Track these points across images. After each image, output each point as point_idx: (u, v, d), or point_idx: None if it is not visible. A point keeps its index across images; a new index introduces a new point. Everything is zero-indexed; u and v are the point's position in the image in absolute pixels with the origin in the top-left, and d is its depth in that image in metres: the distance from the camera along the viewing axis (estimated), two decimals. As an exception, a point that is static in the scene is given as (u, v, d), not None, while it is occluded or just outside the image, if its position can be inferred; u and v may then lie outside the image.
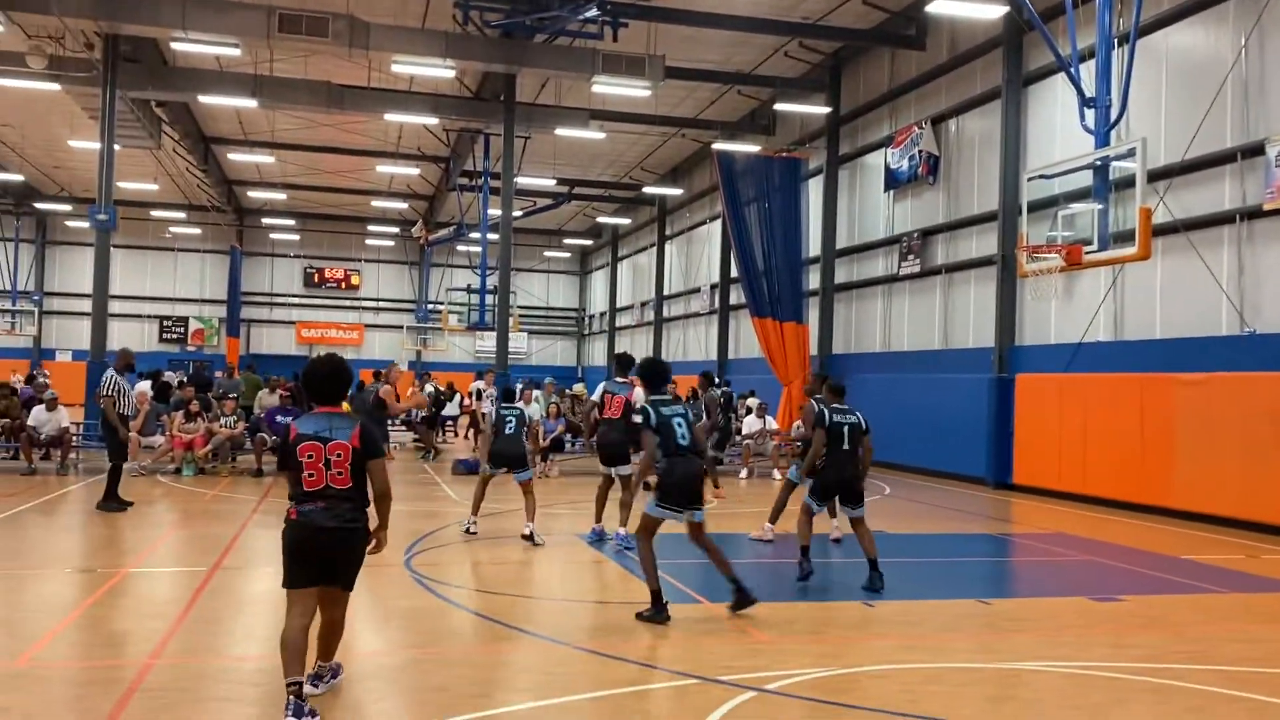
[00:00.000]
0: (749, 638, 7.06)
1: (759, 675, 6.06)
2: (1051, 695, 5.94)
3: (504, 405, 11.39)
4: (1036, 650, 6.92)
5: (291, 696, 4.90)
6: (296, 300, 47.53)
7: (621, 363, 11.39)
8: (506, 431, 11.02)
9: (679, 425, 7.52)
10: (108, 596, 8.02)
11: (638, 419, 7.54)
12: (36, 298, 43.21)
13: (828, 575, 9.68)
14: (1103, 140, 13.21)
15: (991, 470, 18.28)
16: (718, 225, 30.97)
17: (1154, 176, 14.29)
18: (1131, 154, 12.78)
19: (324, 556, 5.19)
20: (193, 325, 46.25)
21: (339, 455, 5.18)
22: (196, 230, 43.74)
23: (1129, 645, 7.14)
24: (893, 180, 22.53)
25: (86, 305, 24.41)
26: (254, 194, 39.25)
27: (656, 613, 7.28)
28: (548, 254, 49.29)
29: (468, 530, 11.26)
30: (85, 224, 26.27)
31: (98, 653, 6.62)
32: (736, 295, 29.31)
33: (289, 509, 5.24)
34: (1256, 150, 13.71)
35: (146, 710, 5.25)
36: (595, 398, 11.33)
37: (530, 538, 10.71)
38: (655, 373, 7.92)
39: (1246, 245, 14.03)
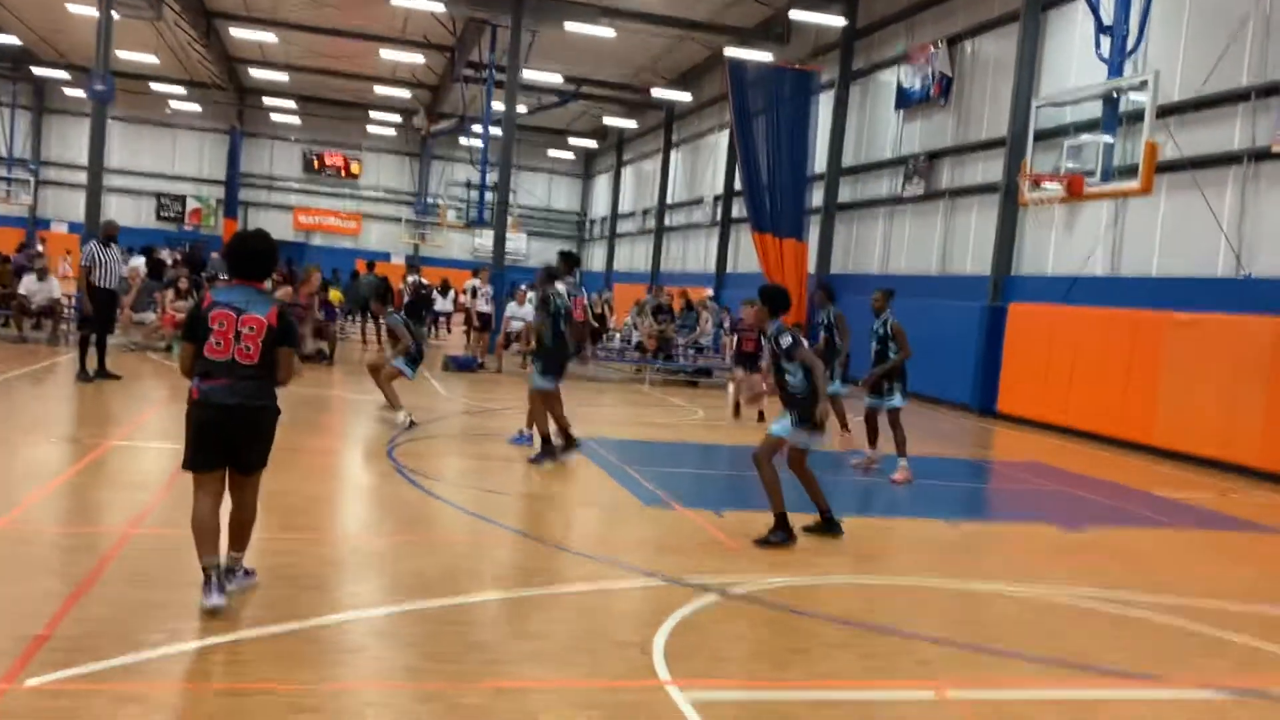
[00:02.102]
0: (718, 544, 7.20)
1: (724, 580, 6.20)
2: (1009, 616, 6.09)
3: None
4: (998, 572, 7.07)
5: (212, 574, 4.89)
6: (295, 185, 47.08)
7: (568, 260, 10.33)
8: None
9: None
10: (91, 466, 8.12)
11: (786, 340, 7.09)
12: (33, 166, 42.71)
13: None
14: (1116, 70, 13.01)
15: (977, 397, 18.40)
16: (724, 136, 30.55)
17: (1164, 111, 14.08)
18: (1143, 86, 12.60)
19: (228, 436, 4.96)
20: (190, 204, 45.86)
21: (251, 329, 4.93)
22: (197, 107, 43.04)
23: (1090, 574, 7.29)
24: (904, 99, 22.17)
25: (83, 177, 24.13)
26: (255, 73, 38.48)
27: (783, 536, 7.11)
28: (551, 154, 48.68)
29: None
30: (83, 93, 25.79)
31: (77, 519, 6.74)
32: (739, 209, 29.08)
33: (190, 388, 4.97)
34: (1271, 91, 13.49)
35: (122, 577, 5.37)
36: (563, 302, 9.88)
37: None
38: (784, 298, 7.44)
39: (1250, 187, 13.91)
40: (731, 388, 16.44)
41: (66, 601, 4.88)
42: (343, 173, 47.35)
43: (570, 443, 9.76)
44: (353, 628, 4.93)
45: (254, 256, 5.18)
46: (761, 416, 14.13)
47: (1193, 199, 14.71)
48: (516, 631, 5.08)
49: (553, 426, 9.68)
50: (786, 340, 7.13)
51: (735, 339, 17.03)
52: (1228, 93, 14.20)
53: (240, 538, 5.23)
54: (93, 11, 21.28)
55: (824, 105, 24.92)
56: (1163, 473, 12.98)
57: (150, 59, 34.55)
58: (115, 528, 6.28)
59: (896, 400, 10.71)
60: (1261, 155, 13.64)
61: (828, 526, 7.54)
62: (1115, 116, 13.53)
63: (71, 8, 27.20)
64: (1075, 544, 8.31)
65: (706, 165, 34.23)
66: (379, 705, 4.08)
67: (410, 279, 22.60)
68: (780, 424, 7.30)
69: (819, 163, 24.82)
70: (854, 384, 11.94)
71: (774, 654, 5.05)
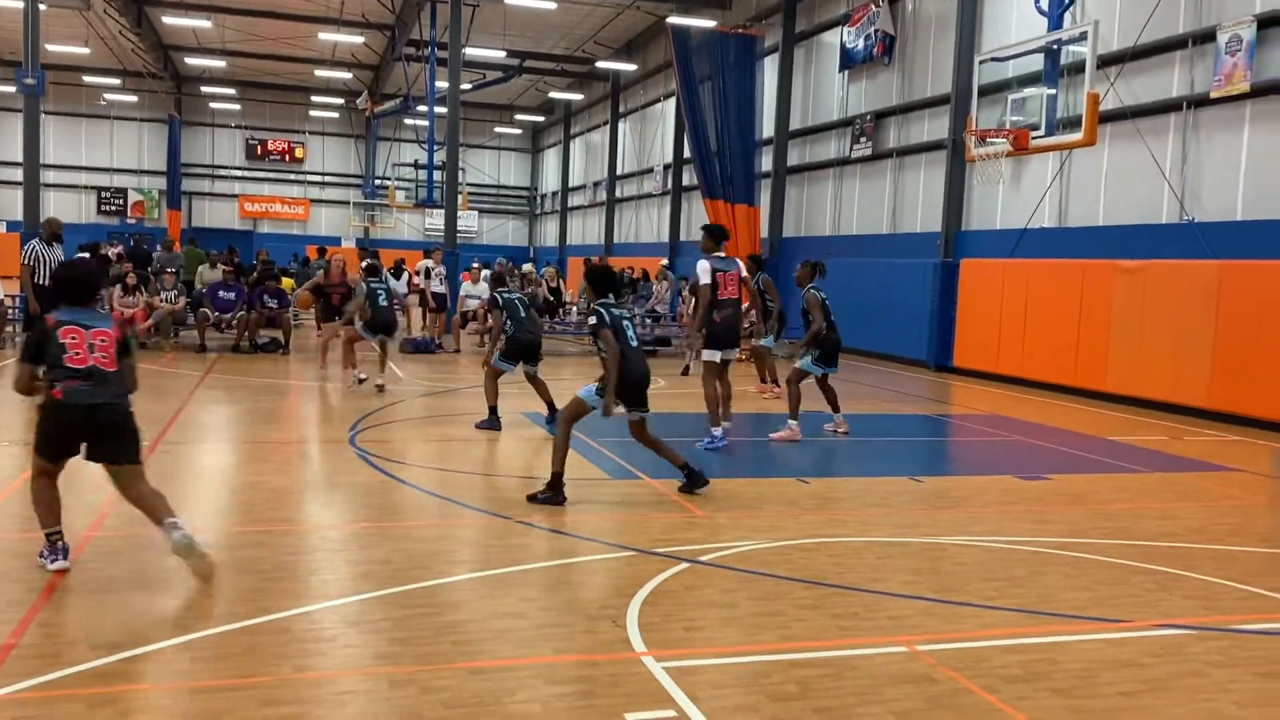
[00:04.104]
0: (686, 513, 7.25)
1: (693, 548, 6.25)
2: (973, 567, 6.20)
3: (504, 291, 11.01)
4: (961, 525, 7.20)
5: (57, 541, 5.37)
6: (239, 173, 46.28)
7: (715, 234, 10.03)
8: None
9: (628, 326, 7.59)
10: (47, 470, 7.97)
11: (592, 319, 7.50)
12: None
13: (770, 452, 9.91)
14: (1056, 23, 13.13)
15: (933, 353, 18.62)
16: (672, 104, 30.44)
17: (1105, 62, 14.24)
18: (1083, 38, 12.72)
19: (90, 434, 5.33)
20: (132, 197, 44.96)
21: (103, 340, 5.38)
22: (133, 98, 42.10)
23: (1051, 521, 7.44)
24: (848, 60, 22.21)
25: (18, 174, 23.57)
26: (191, 60, 37.71)
27: (554, 495, 7.27)
28: (498, 130, 48.26)
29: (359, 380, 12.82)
30: (12, 89, 25.11)
31: (35, 524, 6.63)
32: (689, 176, 29.04)
33: (52, 389, 5.27)
34: (1208, 37, 13.68)
35: (85, 581, 5.30)
36: (707, 279, 9.64)
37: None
38: (608, 279, 7.82)
39: (1191, 134, 14.13)
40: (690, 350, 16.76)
41: (31, 609, 4.81)
42: (287, 158, 46.62)
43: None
44: (323, 617, 4.91)
45: (82, 281, 5.63)
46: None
47: (1135, 147, 14.91)
48: (488, 611, 5.09)
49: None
50: (593, 320, 7.47)
51: (693, 303, 17.20)
52: (1166, 40, 14.38)
53: (159, 509, 5.40)
54: (18, 3, 20.66)
55: (769, 69, 24.91)
56: (1116, 418, 13.23)
57: (81, 50, 33.73)
58: (74, 532, 6.18)
59: (806, 364, 10.78)
60: (1201, 102, 13.85)
61: (691, 481, 7.72)
62: (1057, 69, 13.66)
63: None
64: (1035, 492, 8.46)
65: (655, 134, 34.11)
66: (353, 693, 4.08)
67: (365, 263, 22.39)
68: (588, 388, 7.49)
69: (767, 127, 24.83)
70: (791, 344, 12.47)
71: (747, 618, 5.11)
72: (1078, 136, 12.93)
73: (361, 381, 12.99)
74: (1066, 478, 9.13)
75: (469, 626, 4.84)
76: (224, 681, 4.09)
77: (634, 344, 7.57)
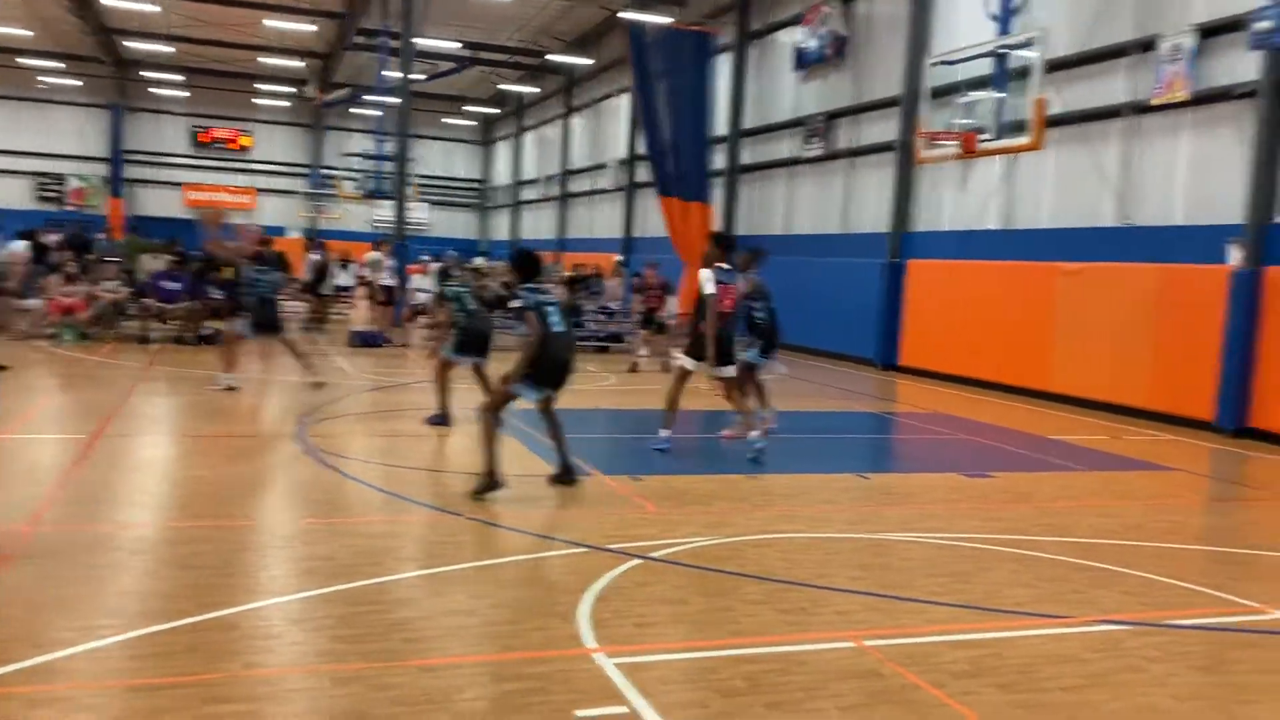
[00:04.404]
0: (638, 509, 7.26)
1: (645, 544, 6.26)
2: (920, 563, 6.29)
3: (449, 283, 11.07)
4: (908, 522, 7.29)
5: None
6: (183, 161, 45.39)
7: (723, 244, 9.77)
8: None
9: (552, 311, 7.55)
10: (-18, 463, 7.78)
11: (516, 302, 7.46)
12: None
13: (721, 448, 9.97)
14: (1005, 28, 13.31)
15: (880, 352, 18.83)
16: (626, 99, 30.39)
17: (1052, 67, 14.46)
18: (1031, 43, 12.92)
19: None
20: (72, 184, 43.89)
21: None
22: (75, 83, 41.09)
23: (994, 518, 7.57)
24: (801, 60, 22.34)
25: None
26: (135, 45, 36.87)
27: (491, 482, 7.25)
28: (450, 122, 47.85)
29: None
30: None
31: (-29, 519, 6.47)
32: (643, 173, 29.04)
33: None
34: (1150, 45, 13.96)
35: (23, 578, 5.18)
36: (711, 289, 9.14)
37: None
38: (532, 263, 7.81)
39: (1133, 139, 14.42)
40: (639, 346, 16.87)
41: (-36, 605, 4.69)
42: (233, 146, 45.82)
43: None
44: (270, 614, 4.85)
45: None
46: (667, 369, 15.21)
47: (1080, 152, 15.20)
48: (438, 608, 5.06)
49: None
50: (517, 302, 7.48)
51: (642, 298, 17.40)
52: (1110, 48, 14.66)
53: None
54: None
55: (723, 67, 24.97)
56: (1059, 418, 13.49)
57: (21, 32, 32.86)
58: (11, 526, 6.04)
59: (753, 355, 10.51)
60: (1143, 108, 14.14)
61: (564, 474, 7.82)
62: (1005, 73, 13.87)
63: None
64: (980, 490, 8.60)
65: (609, 130, 34.05)
66: (299, 690, 4.03)
67: (314, 257, 22.12)
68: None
69: (720, 125, 24.90)
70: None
71: (697, 614, 5.13)
72: (1024, 140, 13.14)
73: (231, 389, 11.81)
74: (1011, 476, 9.29)
75: (418, 623, 4.80)
76: (168, 679, 4.02)
77: (559, 328, 7.54)
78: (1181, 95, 13.37)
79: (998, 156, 15.66)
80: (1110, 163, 14.76)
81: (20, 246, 18.70)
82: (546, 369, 7.48)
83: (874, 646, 4.73)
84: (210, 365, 12.71)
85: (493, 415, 7.48)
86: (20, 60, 37.69)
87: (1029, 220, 16.29)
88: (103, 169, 42.90)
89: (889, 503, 8.01)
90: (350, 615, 4.83)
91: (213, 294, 17.05)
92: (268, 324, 12.22)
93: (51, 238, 21.94)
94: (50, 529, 6.08)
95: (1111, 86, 14.77)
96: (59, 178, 43.62)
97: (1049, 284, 15.06)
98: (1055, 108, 14.72)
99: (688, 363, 9.46)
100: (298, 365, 12.60)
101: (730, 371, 9.45)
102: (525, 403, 7.71)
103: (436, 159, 48.88)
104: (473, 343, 10.41)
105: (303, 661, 4.32)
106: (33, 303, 16.77)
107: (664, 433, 9.50)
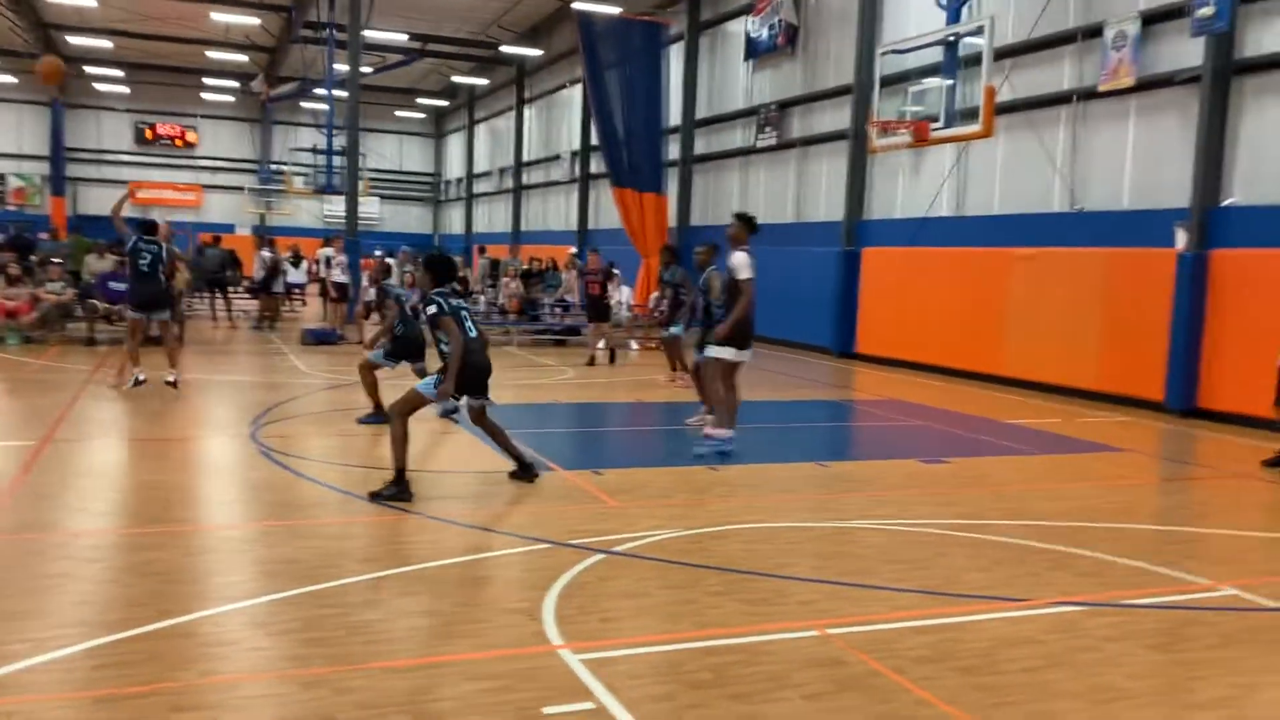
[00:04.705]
0: (599, 503, 7.26)
1: (607, 538, 6.26)
2: (877, 550, 6.35)
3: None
4: (867, 509, 7.36)
5: None
6: (127, 158, 44.54)
7: (750, 223, 9.55)
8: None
9: (466, 316, 7.48)
10: (-74, 472, 7.60)
11: (431, 309, 7.23)
12: None
13: (681, 441, 9.98)
14: (954, 16, 13.43)
15: (836, 340, 18.98)
16: (579, 90, 30.28)
17: (1000, 55, 14.65)
18: (980, 31, 13.06)
19: None
20: (12, 183, 42.90)
21: None
22: (11, 79, 40.10)
23: (951, 503, 7.66)
24: (753, 50, 22.41)
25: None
26: (74, 40, 36.07)
27: (400, 490, 7.08)
28: (400, 114, 47.39)
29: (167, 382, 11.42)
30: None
31: (-83, 530, 6.31)
32: (597, 164, 28.97)
33: None
34: (1095, 32, 14.17)
35: (-27, 588, 5.07)
36: (749, 273, 9.05)
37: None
38: (446, 267, 7.63)
39: (1081, 126, 14.64)
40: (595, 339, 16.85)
41: (-88, 619, 4.58)
42: (178, 142, 45.06)
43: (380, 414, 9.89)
44: (228, 620, 4.78)
45: None
46: (613, 358, 16.46)
47: (1028, 138, 15.41)
48: (400, 609, 5.02)
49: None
50: (431, 309, 7.28)
51: (583, 283, 17.39)
52: (1057, 35, 14.86)
53: None
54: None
55: (675, 57, 24.97)
56: (1013, 402, 13.68)
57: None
58: (-41, 536, 5.91)
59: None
60: (1089, 94, 14.36)
61: (523, 471, 7.77)
62: (955, 61, 13.99)
63: None
64: (936, 475, 8.70)
65: (562, 121, 33.92)
66: (262, 697, 3.98)
67: (265, 254, 21.81)
68: (425, 381, 7.44)
69: (674, 115, 24.91)
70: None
71: (662, 608, 5.14)
72: (975, 128, 13.29)
73: (139, 383, 11.35)
74: (966, 460, 9.42)
75: (381, 625, 4.77)
76: (129, 689, 3.96)
77: (474, 334, 7.46)
78: (1127, 81, 13.59)
79: (949, 144, 15.82)
80: (1059, 148, 14.97)
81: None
82: (469, 377, 7.36)
83: (837, 635, 4.77)
84: (158, 366, 12.49)
85: (404, 419, 7.25)
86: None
87: (981, 207, 16.49)
88: (43, 167, 41.96)
89: (848, 490, 8.08)
90: (311, 619, 4.78)
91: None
92: (148, 302, 11.38)
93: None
94: (3, 538, 5.95)
95: (1058, 73, 14.97)
96: (-1, 177, 42.65)
97: (1002, 269, 15.26)
98: (1005, 95, 14.91)
99: (727, 354, 9.05)
100: (168, 354, 11.94)
101: (746, 356, 9.18)
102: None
103: (388, 152, 48.43)
104: (408, 348, 10.19)
105: (267, 667, 4.26)
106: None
107: (725, 432, 9.08)
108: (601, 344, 17.28)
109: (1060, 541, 6.61)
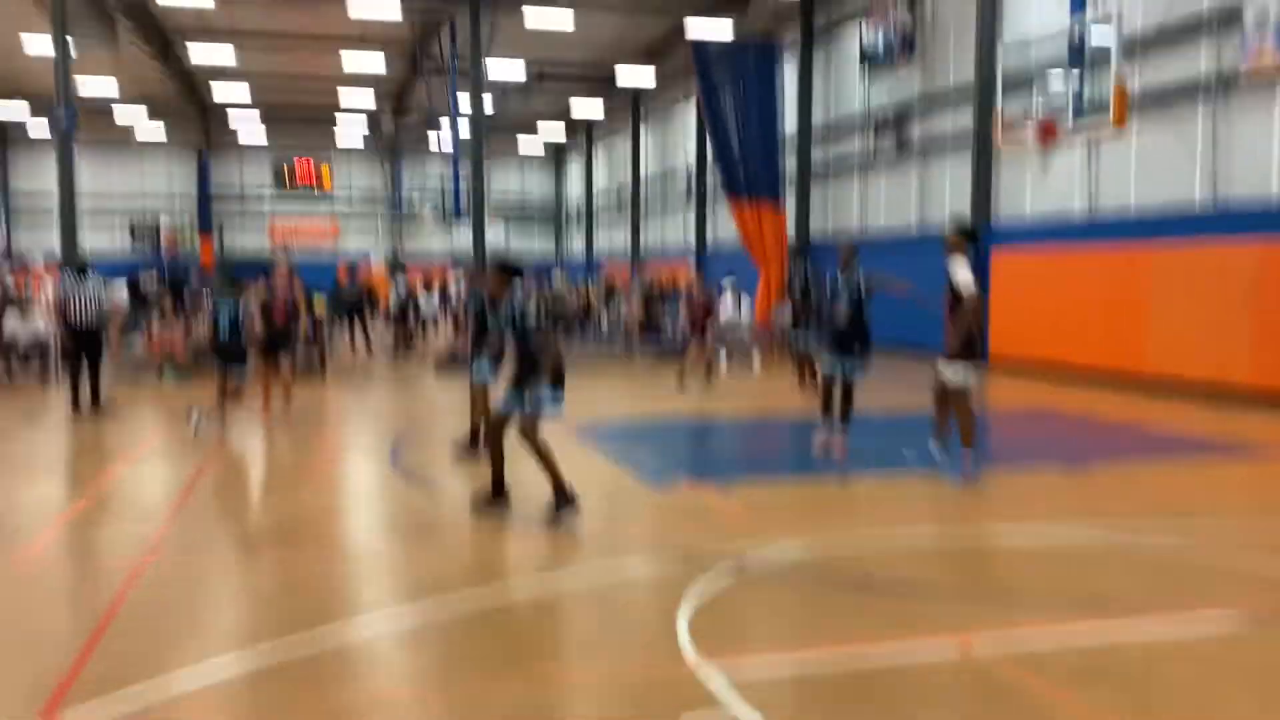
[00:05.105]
0: (728, 517, 7.23)
1: (738, 552, 6.20)
2: (1023, 563, 6.14)
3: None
4: (1010, 519, 7.13)
5: None
6: (268, 196, 46.80)
7: (970, 233, 9.15)
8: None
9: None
10: (97, 500, 8.11)
11: (529, 319, 6.96)
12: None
13: (806, 452, 9.88)
14: (1078, 7, 12.99)
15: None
16: (693, 107, 30.43)
17: (1129, 45, 14.09)
18: (1107, 20, 12.60)
19: None
20: (165, 227, 45.57)
21: None
22: (161, 128, 42.64)
23: (1097, 512, 7.36)
24: (868, 56, 22.12)
25: (52, 205, 23.94)
26: (218, 86, 38.10)
27: (563, 500, 6.98)
28: (521, 141, 48.44)
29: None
30: (42, 120, 25.50)
31: (87, 554, 6.74)
32: (714, 182, 29.01)
33: None
34: (1233, 16, 13.49)
35: (142, 608, 5.37)
36: (975, 286, 8.61)
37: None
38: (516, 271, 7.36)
39: (1221, 114, 13.94)
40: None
41: (92, 636, 4.88)
42: (314, 180, 47.12)
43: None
44: (364, 635, 4.95)
45: None
46: (709, 373, 15.87)
47: (1164, 129, 14.74)
48: (536, 625, 5.11)
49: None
50: (529, 319, 6.96)
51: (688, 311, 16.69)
52: (1190, 20, 14.21)
53: None
54: (49, 51, 21.03)
55: (789, 69, 24.85)
56: (1158, 405, 13.07)
57: (109, 81, 34.18)
58: (128, 560, 6.28)
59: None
60: (1229, 80, 13.67)
61: (564, 503, 7.05)
62: (1081, 54, 13.53)
63: (29, 49, 26.63)
64: (1082, 484, 8.38)
65: (677, 140, 34.12)
66: (400, 706, 4.10)
67: (398, 288, 22.88)
68: (538, 396, 7.04)
69: (789, 128, 24.76)
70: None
71: (798, 622, 5.09)
72: (1107, 123, 12.81)
73: (197, 423, 10.83)
74: (1112, 467, 9.04)
75: (517, 638, 4.85)
76: (294, 708, 4.13)
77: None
78: (1272, 64, 12.88)
79: (1078, 140, 15.28)
80: (1198, 138, 14.28)
81: (119, 292, 19.50)
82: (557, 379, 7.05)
83: (983, 648, 4.63)
84: (301, 397, 13.01)
85: (537, 438, 7.05)
86: (112, 110, 39.19)
87: (1116, 203, 15.84)
88: (192, 209, 44.49)
89: (989, 500, 7.86)
90: (465, 634, 4.90)
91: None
92: (227, 354, 11.14)
93: (149, 280, 22.87)
94: (171, 559, 6.29)
95: (1193, 60, 14.30)
96: (153, 222, 45.31)
97: (1142, 266, 14.63)
98: (1136, 85, 14.32)
99: (962, 374, 8.33)
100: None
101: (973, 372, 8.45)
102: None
103: (510, 179, 49.53)
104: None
105: (414, 682, 4.40)
106: (134, 341, 17.43)
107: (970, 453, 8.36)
108: (724, 359, 17.26)
109: (1220, 550, 6.28)
